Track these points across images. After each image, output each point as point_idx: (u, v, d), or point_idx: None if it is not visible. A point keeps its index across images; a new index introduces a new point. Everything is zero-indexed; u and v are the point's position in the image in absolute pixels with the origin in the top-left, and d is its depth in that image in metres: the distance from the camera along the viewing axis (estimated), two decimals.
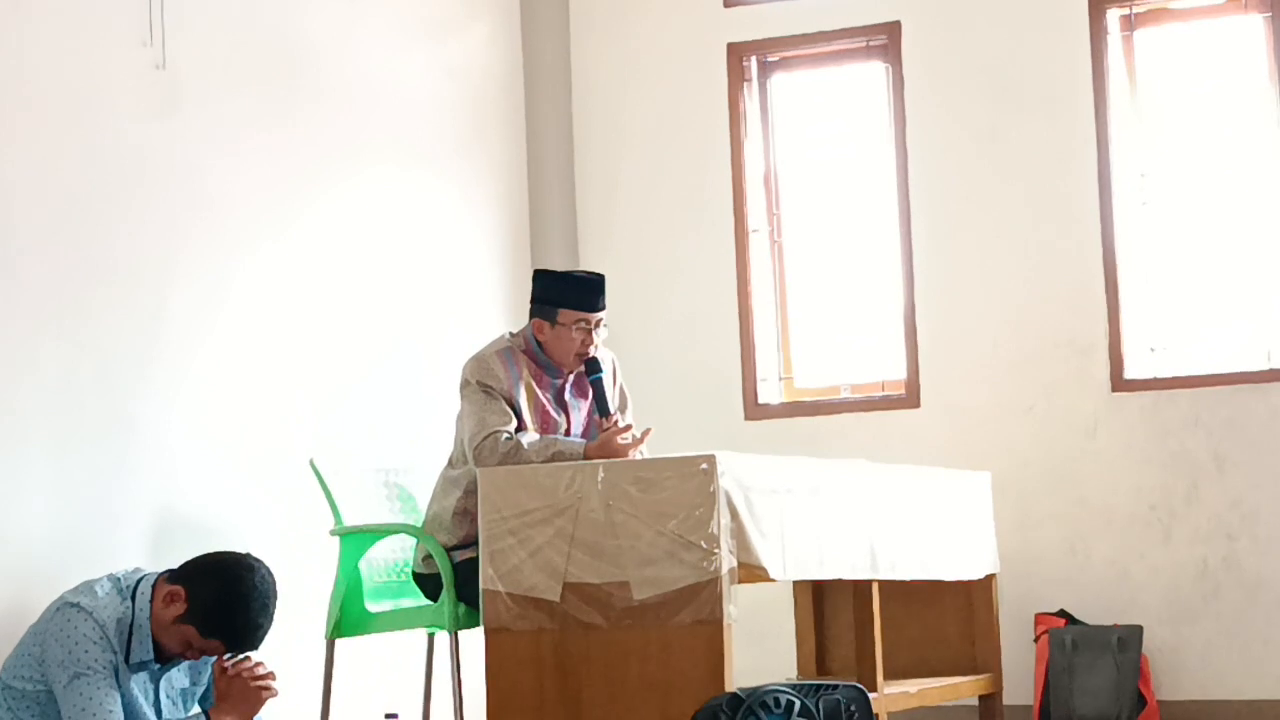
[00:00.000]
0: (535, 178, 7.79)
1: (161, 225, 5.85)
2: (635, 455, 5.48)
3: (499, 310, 7.40)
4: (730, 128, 7.73)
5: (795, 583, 6.53)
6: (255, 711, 4.82)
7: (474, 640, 5.34)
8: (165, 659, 4.76)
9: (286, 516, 6.07)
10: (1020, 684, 7.01)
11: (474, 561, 5.23)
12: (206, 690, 4.91)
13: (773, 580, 5.15)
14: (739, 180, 7.71)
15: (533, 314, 5.68)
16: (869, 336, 7.67)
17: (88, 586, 4.72)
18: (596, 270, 5.98)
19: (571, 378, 5.72)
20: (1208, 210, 7.27)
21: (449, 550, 5.54)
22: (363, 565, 5.75)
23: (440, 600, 5.52)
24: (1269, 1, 7.10)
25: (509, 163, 7.68)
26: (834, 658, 6.60)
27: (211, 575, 4.72)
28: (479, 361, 5.60)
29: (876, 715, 5.17)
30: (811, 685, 4.90)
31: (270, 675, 4.84)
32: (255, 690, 4.81)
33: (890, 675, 5.98)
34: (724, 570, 4.88)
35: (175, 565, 4.82)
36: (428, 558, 5.61)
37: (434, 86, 7.27)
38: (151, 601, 4.71)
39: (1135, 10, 7.28)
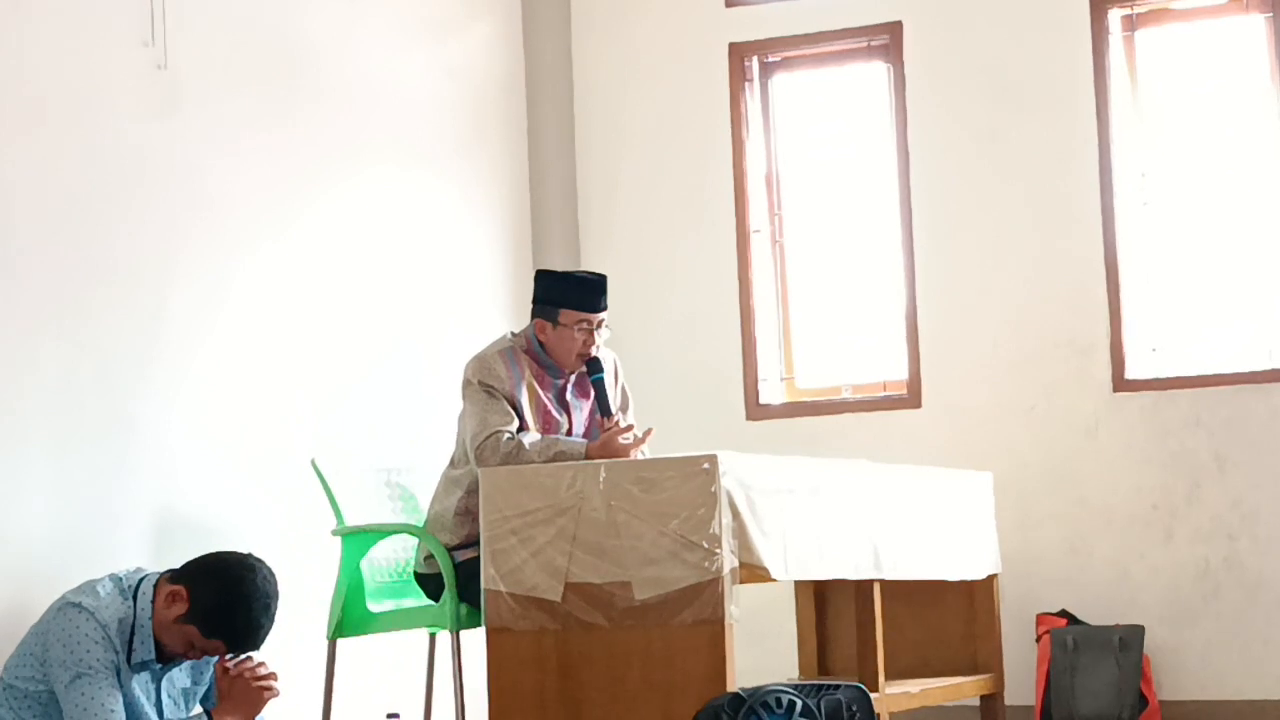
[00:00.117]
0: (536, 178, 7.79)
1: (161, 225, 5.85)
2: (637, 455, 5.48)
3: (500, 310, 7.40)
4: (732, 128, 7.72)
5: (797, 583, 6.53)
6: (257, 711, 4.82)
7: (476, 640, 5.34)
8: (167, 659, 4.76)
9: (287, 516, 6.06)
10: (1022, 684, 7.01)
11: (476, 561, 5.23)
12: (208, 690, 4.91)
13: (774, 580, 5.15)
14: (740, 180, 7.70)
15: (534, 314, 5.68)
16: (870, 337, 7.66)
17: (89, 586, 4.72)
18: (598, 270, 5.98)
19: (573, 378, 5.72)
20: (1209, 210, 7.26)
21: (451, 550, 5.53)
22: (364, 565, 5.75)
23: (442, 600, 5.51)
24: (1270, 1, 7.09)
25: (510, 163, 7.68)
26: (835, 658, 6.60)
27: (213, 575, 4.72)
28: (481, 361, 5.60)
29: (878, 715, 5.17)
30: (813, 685, 4.89)
31: (272, 675, 4.83)
32: (257, 690, 4.81)
33: (892, 675, 5.98)
34: (726, 570, 4.88)
35: (177, 565, 4.82)
36: (429, 557, 5.60)
37: (434, 86, 7.27)
38: (153, 601, 4.70)
39: (1136, 10, 7.28)
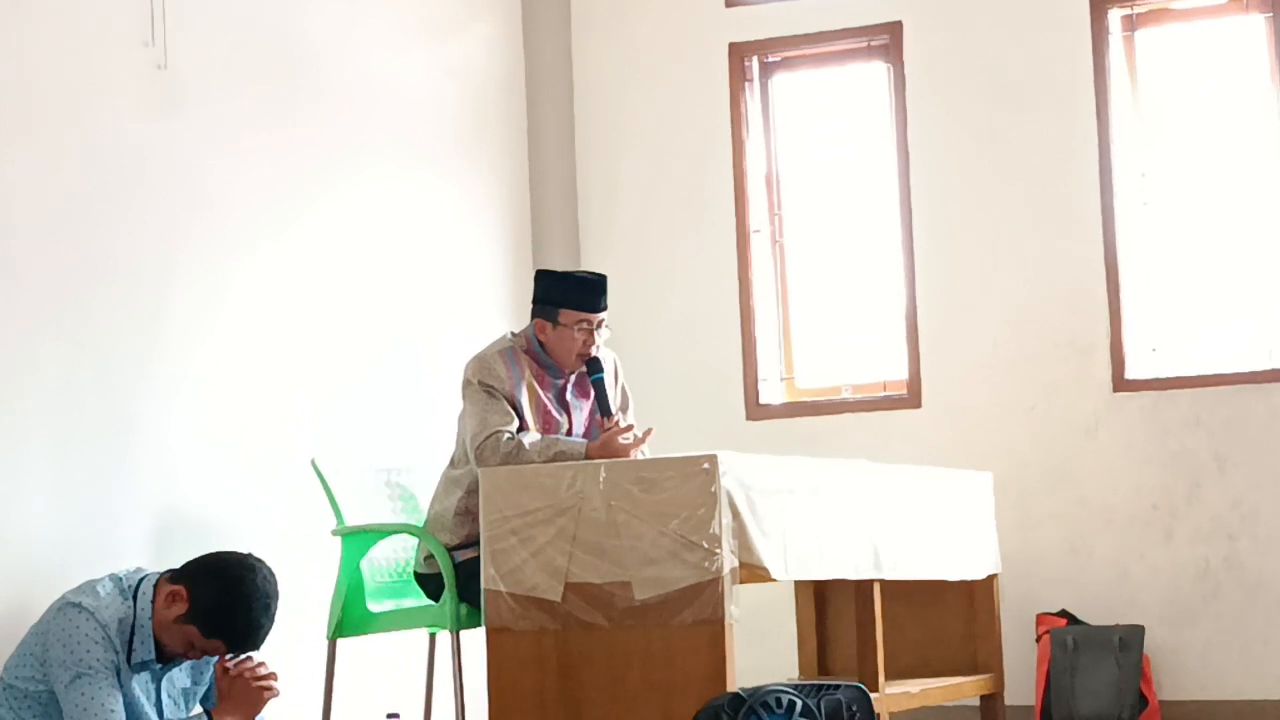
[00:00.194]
0: (536, 178, 7.79)
1: (161, 225, 5.85)
2: (637, 455, 5.48)
3: (500, 310, 7.40)
4: (732, 128, 7.72)
5: (797, 583, 6.53)
6: (257, 711, 4.82)
7: (476, 640, 5.34)
8: (167, 659, 4.76)
9: (287, 516, 6.06)
10: (1022, 684, 7.01)
11: (476, 561, 5.23)
12: (208, 690, 4.91)
13: (774, 580, 5.14)
14: (740, 180, 7.70)
15: (534, 314, 5.68)
16: (870, 337, 7.66)
17: (89, 586, 4.72)
18: (598, 270, 5.98)
19: (573, 378, 5.71)
20: (1209, 210, 7.26)
21: (451, 550, 5.53)
22: (364, 565, 5.75)
23: (442, 600, 5.51)
24: (1270, 1, 7.09)
25: (510, 163, 7.68)
26: (835, 658, 6.60)
27: (213, 575, 4.72)
28: (481, 361, 5.60)
29: (878, 715, 5.16)
30: (813, 685, 4.89)
31: (272, 675, 4.83)
32: (257, 690, 4.81)
33: (892, 675, 5.98)
34: (726, 570, 4.88)
35: (177, 565, 4.82)
36: (429, 557, 5.60)
37: (434, 86, 7.27)
38: (153, 601, 4.70)
39: (1136, 10, 7.28)
